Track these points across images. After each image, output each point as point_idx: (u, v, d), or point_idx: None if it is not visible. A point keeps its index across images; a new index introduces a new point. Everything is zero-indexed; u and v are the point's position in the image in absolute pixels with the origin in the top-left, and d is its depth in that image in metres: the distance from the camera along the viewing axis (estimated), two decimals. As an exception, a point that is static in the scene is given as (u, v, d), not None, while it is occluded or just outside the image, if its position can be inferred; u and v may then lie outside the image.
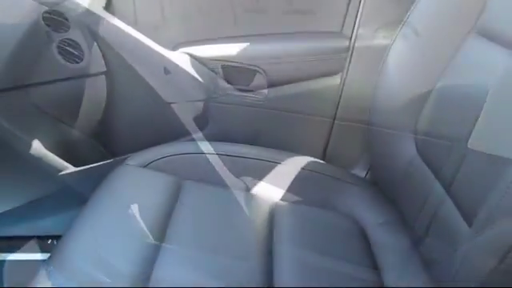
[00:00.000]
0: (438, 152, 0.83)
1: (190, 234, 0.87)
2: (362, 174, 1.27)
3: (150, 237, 0.83)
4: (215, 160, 1.07)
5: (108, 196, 0.93)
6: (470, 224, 0.64)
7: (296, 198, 1.04)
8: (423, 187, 0.84)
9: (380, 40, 1.17)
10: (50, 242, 1.41)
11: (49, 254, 1.40)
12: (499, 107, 0.69)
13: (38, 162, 1.25)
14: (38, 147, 1.23)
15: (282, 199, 1.03)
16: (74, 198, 1.25)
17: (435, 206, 0.76)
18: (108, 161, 1.25)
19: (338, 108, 1.27)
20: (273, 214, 0.98)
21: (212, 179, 1.03)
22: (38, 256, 1.42)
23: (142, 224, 0.86)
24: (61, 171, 1.27)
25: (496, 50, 0.76)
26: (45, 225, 1.39)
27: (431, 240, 0.79)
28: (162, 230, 0.86)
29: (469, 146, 0.67)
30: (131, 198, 0.93)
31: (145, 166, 1.03)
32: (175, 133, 1.23)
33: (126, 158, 1.07)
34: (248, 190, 1.03)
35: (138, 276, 0.75)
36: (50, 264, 0.79)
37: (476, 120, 0.73)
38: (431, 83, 0.89)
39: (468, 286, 0.60)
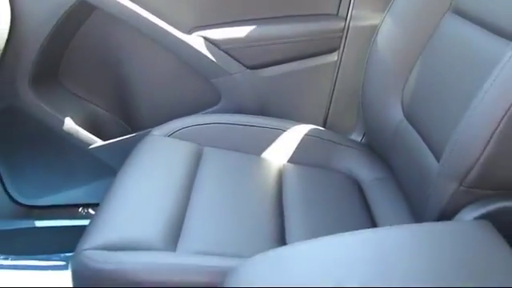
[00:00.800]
0: (422, 114, 0.94)
1: (212, 192, 0.96)
2: (358, 138, 1.35)
3: (178, 196, 0.92)
4: (230, 129, 1.16)
5: (139, 162, 1.02)
6: (438, 160, 0.78)
7: (301, 160, 1.14)
8: (410, 145, 0.96)
9: (371, 21, 1.24)
10: (80, 209, 1.46)
11: (81, 221, 1.50)
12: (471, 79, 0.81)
13: (70, 138, 1.33)
14: (69, 124, 1.32)
15: (288, 161, 1.13)
16: (102, 169, 1.37)
17: (417, 157, 0.89)
18: (133, 134, 1.33)
19: (336, 81, 1.34)
20: (281, 174, 1.08)
21: (228, 145, 1.13)
22: (70, 223, 1.47)
23: (171, 185, 0.95)
24: (90, 145, 1.35)
25: (470, 28, 0.87)
26: (76, 194, 1.45)
27: (412, 181, 0.92)
28: (187, 190, 0.95)
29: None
30: (160, 162, 1.03)
31: (169, 136, 1.12)
32: (192, 108, 1.31)
33: (148, 132, 1.16)
34: (259, 154, 1.13)
35: (169, 232, 0.82)
36: (91, 229, 0.84)
37: (449, 87, 0.87)
38: (414, 57, 1.00)
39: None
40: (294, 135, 1.18)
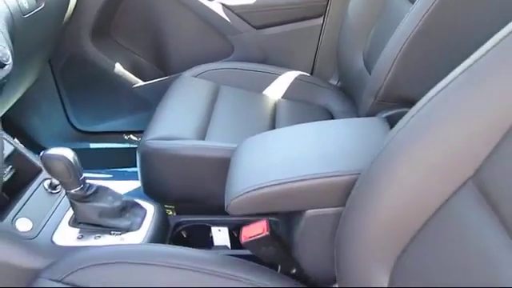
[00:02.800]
0: (372, 62, 1.25)
1: (227, 111, 1.31)
2: (335, 82, 1.63)
3: (203, 115, 1.26)
4: (240, 73, 1.47)
5: (176, 93, 1.35)
6: (370, 73, 1.13)
7: (291, 96, 1.43)
8: (364, 84, 1.30)
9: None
10: (124, 135, 1.76)
11: (124, 145, 1.82)
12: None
13: (118, 78, 1.64)
14: (118, 68, 1.63)
15: (282, 97, 1.43)
16: (142, 103, 1.69)
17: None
18: (167, 77, 1.64)
19: (320, 40, 1.62)
20: (276, 106, 1.39)
21: (238, 85, 1.43)
22: (116, 145, 1.80)
23: (198, 106, 1.29)
24: (133, 85, 1.66)
25: (405, 2, 1.19)
26: (121, 123, 1.76)
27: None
28: (210, 110, 1.29)
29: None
30: (190, 94, 1.36)
31: (195, 76, 1.44)
32: (211, 58, 1.59)
33: (179, 75, 1.46)
34: (261, 91, 1.44)
35: (199, 130, 1.18)
36: (149, 130, 1.15)
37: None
38: (372, 23, 1.33)
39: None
40: (287, 79, 1.47)
